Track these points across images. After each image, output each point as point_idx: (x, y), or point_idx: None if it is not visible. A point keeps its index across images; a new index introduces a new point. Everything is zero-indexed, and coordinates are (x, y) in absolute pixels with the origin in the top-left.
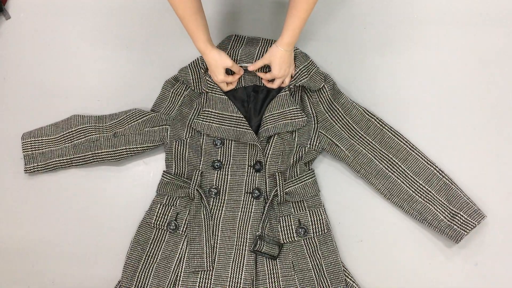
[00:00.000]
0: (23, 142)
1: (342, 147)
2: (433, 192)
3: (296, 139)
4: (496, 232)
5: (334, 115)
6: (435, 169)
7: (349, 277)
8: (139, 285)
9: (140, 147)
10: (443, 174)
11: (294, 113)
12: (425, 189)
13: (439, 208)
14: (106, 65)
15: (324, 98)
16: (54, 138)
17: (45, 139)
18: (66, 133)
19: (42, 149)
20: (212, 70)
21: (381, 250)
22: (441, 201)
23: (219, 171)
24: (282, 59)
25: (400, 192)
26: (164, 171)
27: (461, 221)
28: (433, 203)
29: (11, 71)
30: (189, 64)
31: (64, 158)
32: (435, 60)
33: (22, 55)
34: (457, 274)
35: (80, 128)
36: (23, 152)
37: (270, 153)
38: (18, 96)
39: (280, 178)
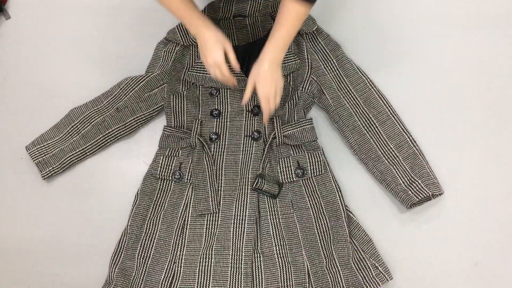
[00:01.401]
0: (30, 152)
1: (327, 96)
2: (400, 158)
3: (291, 83)
4: (496, 232)
5: (327, 65)
6: (408, 137)
7: (352, 214)
8: (149, 232)
9: (147, 113)
10: (414, 144)
11: (287, 57)
12: (393, 153)
13: (401, 173)
14: (106, 65)
15: (319, 48)
16: (59, 138)
17: (50, 142)
18: (69, 129)
19: (51, 152)
20: (209, 48)
21: (380, 250)
22: (405, 167)
23: (218, 119)
24: (264, 77)
25: (370, 150)
26: (164, 126)
27: (417, 188)
28: (396, 167)
29: (11, 71)
30: (177, 24)
31: (77, 150)
32: (435, 60)
33: (22, 55)
34: (457, 274)
35: (82, 118)
36: (34, 160)
37: None
38: (18, 96)
39: (278, 121)
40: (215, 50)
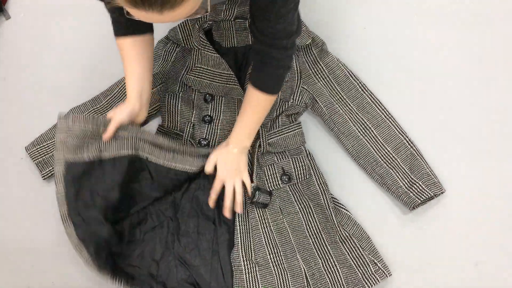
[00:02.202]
0: (29, 153)
1: (320, 104)
2: (398, 160)
3: (279, 95)
4: (496, 232)
5: (317, 73)
6: (405, 139)
7: (348, 212)
8: None
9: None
10: (411, 145)
11: None
12: (391, 156)
13: (401, 176)
14: (106, 64)
15: (310, 57)
16: None
17: (50, 142)
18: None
19: (51, 152)
20: (121, 108)
21: (380, 251)
22: (404, 169)
23: (209, 125)
24: (228, 159)
25: (367, 155)
26: (159, 125)
27: (418, 190)
28: (396, 170)
29: (11, 71)
30: (178, 25)
31: None
32: (435, 59)
33: (22, 55)
34: (457, 274)
35: None
36: (34, 161)
37: None
38: (18, 96)
39: (263, 130)
40: (120, 111)
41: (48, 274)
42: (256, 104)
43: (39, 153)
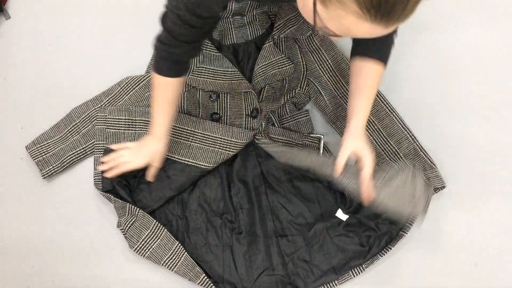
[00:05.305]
0: (30, 151)
1: (325, 97)
2: (400, 154)
3: (286, 86)
4: (496, 232)
5: (323, 66)
6: (408, 133)
7: None
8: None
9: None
10: (415, 140)
11: (280, 62)
12: (394, 150)
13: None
14: (106, 65)
15: (314, 48)
16: (59, 137)
17: (51, 141)
18: (70, 128)
19: (52, 151)
20: (140, 154)
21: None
22: (406, 163)
23: (218, 122)
24: (363, 144)
25: None
26: None
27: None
28: (397, 164)
29: (11, 71)
30: None
31: (78, 149)
32: (434, 57)
33: (22, 55)
34: (457, 274)
35: (83, 118)
36: (34, 159)
37: (263, 99)
38: (18, 96)
39: (275, 117)
40: (141, 158)
41: (48, 274)
42: (374, 79)
43: (39, 152)
